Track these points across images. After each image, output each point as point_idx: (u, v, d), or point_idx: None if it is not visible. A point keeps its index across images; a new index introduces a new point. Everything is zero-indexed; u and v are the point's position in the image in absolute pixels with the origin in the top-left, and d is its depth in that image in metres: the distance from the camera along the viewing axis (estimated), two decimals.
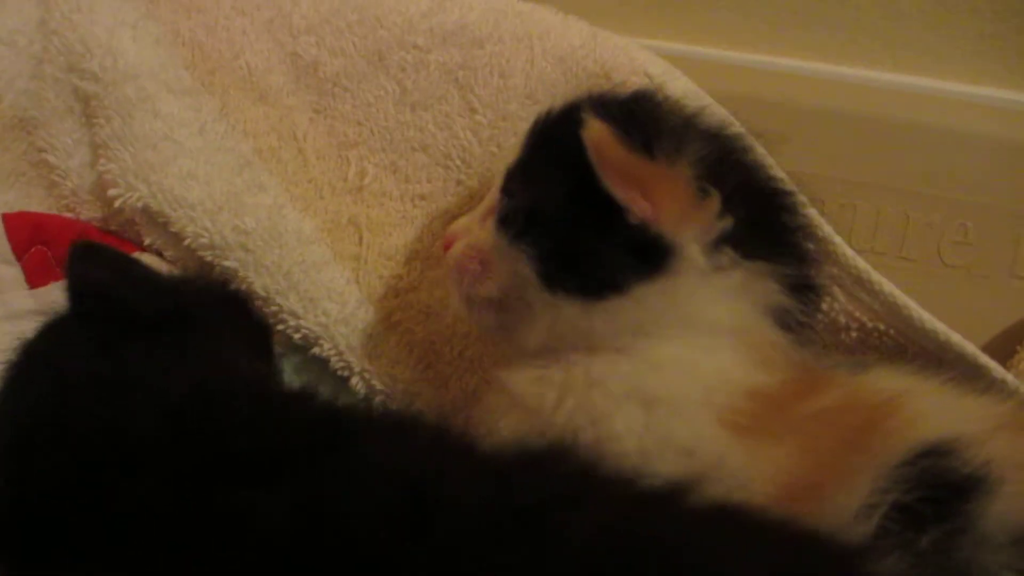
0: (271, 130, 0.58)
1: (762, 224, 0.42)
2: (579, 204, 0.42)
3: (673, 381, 0.40)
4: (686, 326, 0.41)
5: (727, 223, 0.40)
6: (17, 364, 0.37)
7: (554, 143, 0.44)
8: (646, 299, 0.40)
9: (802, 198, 0.46)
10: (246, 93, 0.58)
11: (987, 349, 0.52)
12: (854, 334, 0.50)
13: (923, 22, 0.61)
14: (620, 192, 0.40)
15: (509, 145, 0.56)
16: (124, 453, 0.31)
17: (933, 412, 0.39)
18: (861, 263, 0.50)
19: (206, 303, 0.42)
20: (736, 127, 0.46)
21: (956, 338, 0.48)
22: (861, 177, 0.58)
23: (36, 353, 0.38)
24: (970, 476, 0.36)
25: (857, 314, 0.50)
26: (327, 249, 0.56)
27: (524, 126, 0.56)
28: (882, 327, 0.50)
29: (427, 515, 0.29)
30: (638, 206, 0.40)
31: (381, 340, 0.55)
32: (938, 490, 0.36)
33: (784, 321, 0.42)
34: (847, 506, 0.35)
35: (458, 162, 0.57)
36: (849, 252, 0.50)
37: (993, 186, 0.56)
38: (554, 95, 0.55)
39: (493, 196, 0.46)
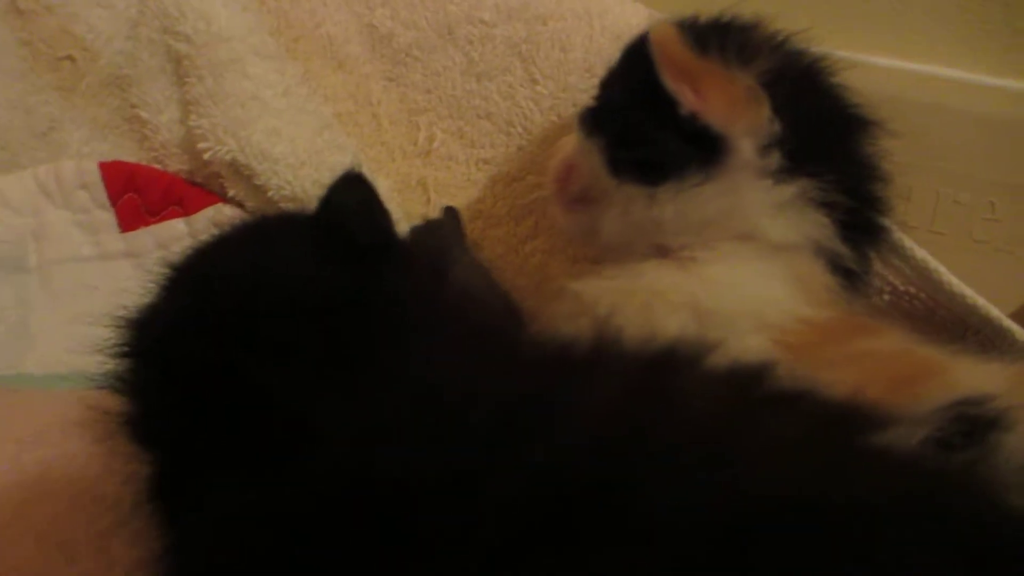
0: (348, 96, 0.62)
1: (825, 145, 0.46)
2: (642, 98, 0.46)
3: (727, 298, 0.43)
4: (743, 240, 0.44)
5: (776, 127, 0.44)
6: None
7: (634, 52, 0.49)
8: (703, 192, 0.44)
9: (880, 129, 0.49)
10: (326, 61, 0.63)
11: (1012, 318, 0.55)
12: (886, 297, 0.54)
13: (959, 17, 0.64)
14: (672, 84, 0.44)
15: (568, 114, 0.60)
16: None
17: (967, 375, 0.42)
18: (895, 229, 0.53)
19: None
20: (823, 54, 0.49)
21: (982, 302, 0.52)
22: (894, 156, 0.62)
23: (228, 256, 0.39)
24: (994, 418, 0.40)
25: (890, 277, 0.53)
26: (397, 208, 0.60)
27: (583, 97, 0.61)
28: (912, 290, 0.53)
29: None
30: (687, 98, 0.44)
31: None
32: (967, 427, 0.40)
33: (836, 264, 0.45)
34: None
35: (520, 129, 0.61)
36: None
37: (1021, 167, 0.59)
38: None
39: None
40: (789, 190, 0.45)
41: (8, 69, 0.60)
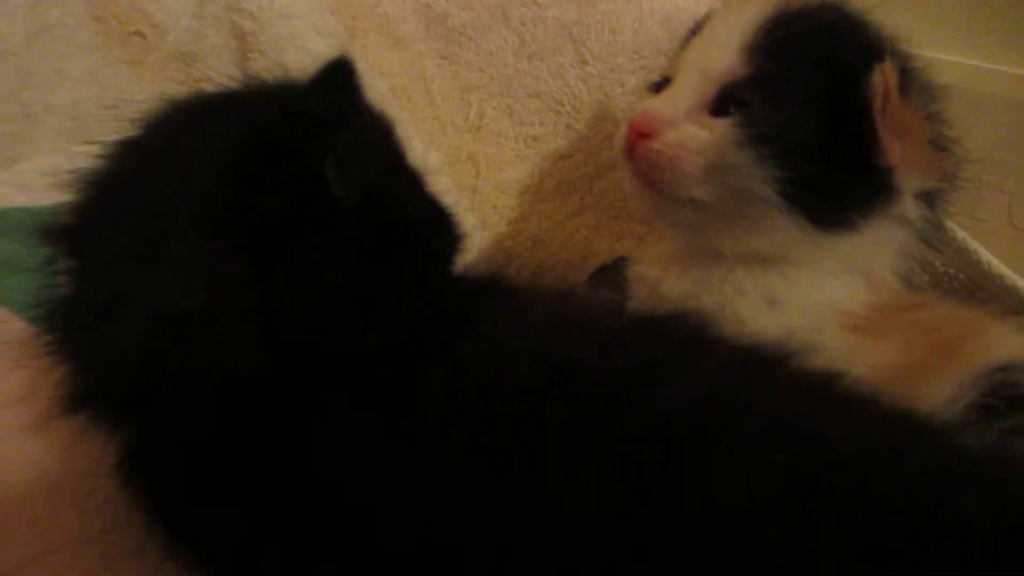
0: (403, 72, 0.65)
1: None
2: (829, 133, 0.42)
3: (803, 291, 0.44)
4: (840, 260, 0.44)
5: (944, 181, 0.44)
6: None
7: (802, 58, 0.43)
8: (856, 237, 0.43)
9: None
10: (383, 38, 0.65)
11: None
12: (927, 277, 0.55)
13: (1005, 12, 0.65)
14: (887, 137, 0.41)
15: (616, 94, 0.62)
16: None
17: (1005, 341, 0.43)
18: None
19: None
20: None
21: (1021, 283, 0.53)
22: None
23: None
24: None
25: (930, 258, 0.54)
26: (448, 179, 0.63)
27: (631, 78, 0.63)
28: (952, 271, 0.54)
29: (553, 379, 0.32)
30: (893, 155, 0.41)
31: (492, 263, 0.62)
32: (1007, 394, 0.40)
33: (906, 277, 0.46)
34: (933, 398, 0.39)
35: (568, 108, 0.63)
36: None
37: None
38: (659, 51, 0.61)
39: (695, 88, 0.45)
40: (913, 236, 0.45)
41: (82, 44, 0.63)
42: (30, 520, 0.34)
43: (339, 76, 0.36)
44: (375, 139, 0.38)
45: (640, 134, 0.44)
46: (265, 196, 0.33)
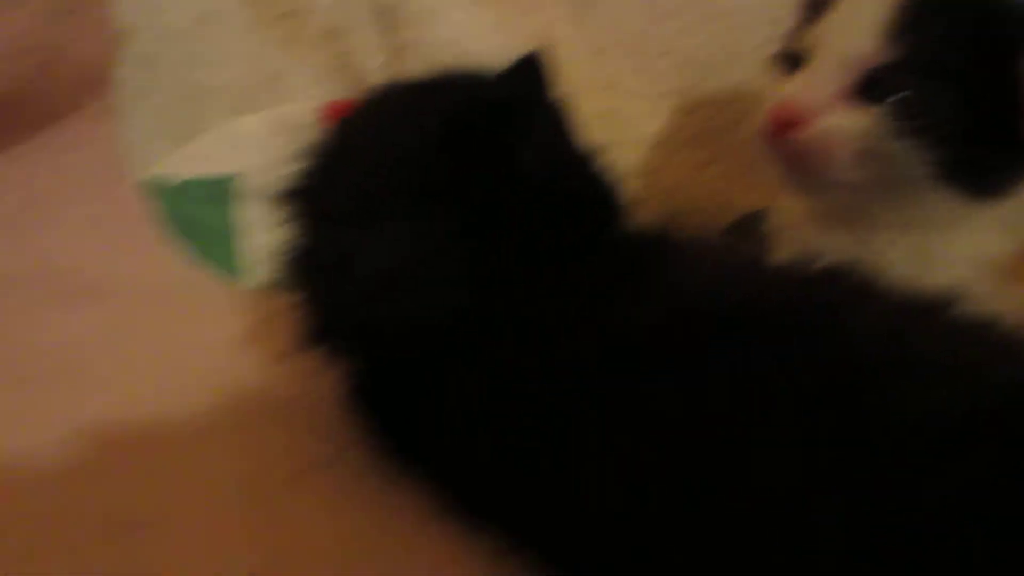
0: (537, 36, 0.68)
1: None
2: (979, 111, 0.43)
3: (957, 248, 0.45)
4: (993, 219, 0.45)
5: None
6: None
7: (952, 37, 0.43)
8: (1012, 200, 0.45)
9: None
10: (515, 6, 0.69)
11: None
12: None
13: None
14: None
15: (745, 51, 0.65)
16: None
17: None
18: None
19: None
20: None
21: None
22: None
23: None
24: None
25: None
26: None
27: (759, 34, 0.65)
28: None
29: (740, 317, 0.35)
30: None
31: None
32: None
33: None
34: None
35: (698, 65, 0.66)
36: None
37: None
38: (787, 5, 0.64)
39: (836, 72, 0.44)
40: None
41: (240, 26, 0.68)
42: (285, 446, 0.40)
43: (530, 69, 0.43)
44: (556, 123, 0.44)
45: (784, 123, 0.45)
46: (469, 169, 0.39)
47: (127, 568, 0.31)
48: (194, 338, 0.49)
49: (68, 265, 0.50)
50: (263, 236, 0.64)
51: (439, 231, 0.39)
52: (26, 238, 0.49)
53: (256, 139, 0.67)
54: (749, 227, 0.58)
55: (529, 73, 0.43)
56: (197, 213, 0.62)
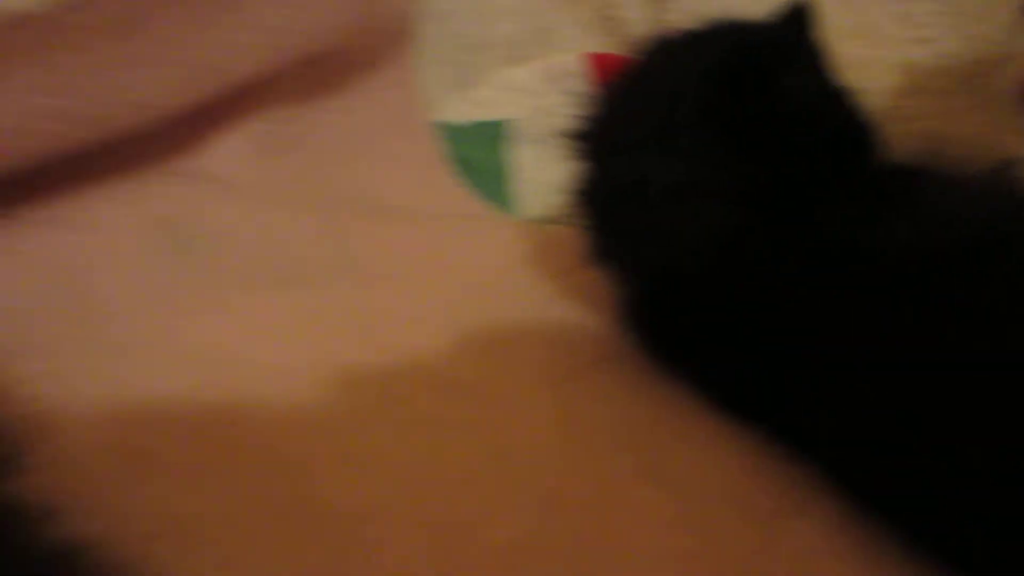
0: None
1: None
2: None
3: None
4: None
5: None
6: None
7: None
8: None
9: None
10: None
11: None
12: None
13: None
14: None
15: None
16: None
17: None
18: None
19: None
20: None
21: None
22: None
23: None
24: None
25: None
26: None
27: None
28: None
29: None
30: None
31: None
32: None
33: None
34: None
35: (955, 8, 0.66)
36: None
37: None
38: None
39: None
40: None
41: None
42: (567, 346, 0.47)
43: (797, 16, 0.47)
44: (819, 65, 0.48)
45: None
46: (743, 102, 0.44)
47: (456, 416, 0.39)
48: (472, 259, 0.57)
49: (375, 191, 0.59)
50: (533, 174, 0.71)
51: (717, 158, 0.44)
52: (345, 166, 0.59)
53: (527, 87, 0.74)
54: (1007, 171, 0.58)
55: (796, 20, 0.47)
56: (476, 154, 0.70)
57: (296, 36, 0.51)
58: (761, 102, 0.43)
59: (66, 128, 0.41)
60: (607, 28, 0.76)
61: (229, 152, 0.51)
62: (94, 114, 0.42)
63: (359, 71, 0.60)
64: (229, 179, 0.50)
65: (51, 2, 0.37)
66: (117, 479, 0.32)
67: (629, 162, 0.45)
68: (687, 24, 0.70)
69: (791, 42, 0.46)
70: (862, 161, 0.46)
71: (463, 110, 0.74)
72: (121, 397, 0.36)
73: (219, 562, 0.31)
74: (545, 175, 0.74)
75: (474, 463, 0.37)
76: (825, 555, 0.35)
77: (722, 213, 0.43)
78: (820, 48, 0.48)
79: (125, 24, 0.40)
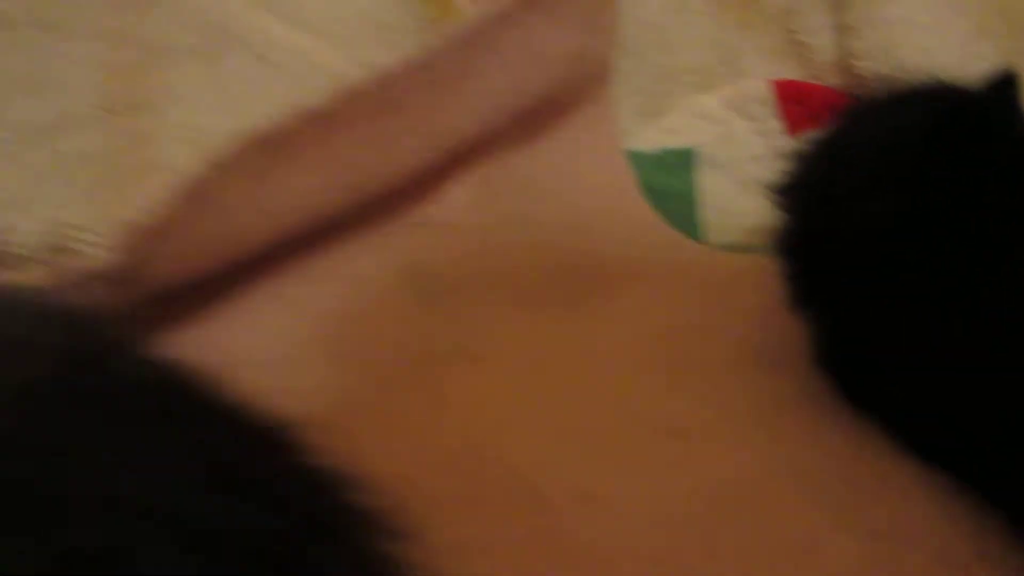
0: (996, 13, 0.70)
1: None
2: None
3: None
4: None
5: None
6: None
7: None
8: None
9: None
10: None
11: None
12: None
13: None
14: None
15: None
16: None
17: None
18: None
19: None
20: None
21: None
22: None
23: None
24: None
25: None
26: None
27: None
28: None
29: None
30: None
31: None
32: None
33: None
34: None
35: None
36: None
37: None
38: None
39: None
40: None
41: (701, 12, 0.78)
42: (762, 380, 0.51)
43: (1007, 87, 0.47)
44: None
45: None
46: (955, 163, 0.45)
47: (671, 455, 0.43)
48: (671, 291, 0.61)
49: (580, 224, 0.64)
50: (720, 201, 0.74)
51: (929, 215, 0.45)
52: (552, 203, 0.64)
53: (714, 114, 0.77)
54: None
55: (1004, 86, 0.47)
56: (665, 181, 0.74)
57: (518, 95, 0.56)
58: (975, 164, 0.45)
59: (333, 197, 0.48)
60: (794, 55, 0.78)
61: (455, 200, 0.57)
62: (356, 182, 0.48)
63: (564, 113, 0.65)
64: (457, 225, 0.56)
65: (331, 97, 0.43)
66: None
67: (838, 214, 0.48)
68: (873, 55, 0.71)
69: (1003, 108, 0.47)
70: None
71: (652, 138, 0.78)
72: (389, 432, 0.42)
73: None
74: (733, 202, 0.77)
75: (692, 503, 0.41)
76: None
77: (931, 265, 0.45)
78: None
79: (385, 106, 0.46)
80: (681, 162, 0.78)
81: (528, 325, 0.52)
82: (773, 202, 0.53)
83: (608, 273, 0.60)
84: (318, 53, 0.51)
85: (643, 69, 0.78)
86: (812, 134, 0.55)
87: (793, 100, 0.79)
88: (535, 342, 0.50)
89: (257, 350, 0.44)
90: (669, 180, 0.78)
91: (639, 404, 0.47)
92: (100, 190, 0.41)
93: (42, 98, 0.41)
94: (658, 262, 0.64)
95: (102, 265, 0.36)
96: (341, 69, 0.52)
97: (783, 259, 0.51)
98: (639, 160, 0.78)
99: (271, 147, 0.42)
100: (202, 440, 0.25)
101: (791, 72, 0.79)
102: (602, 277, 0.59)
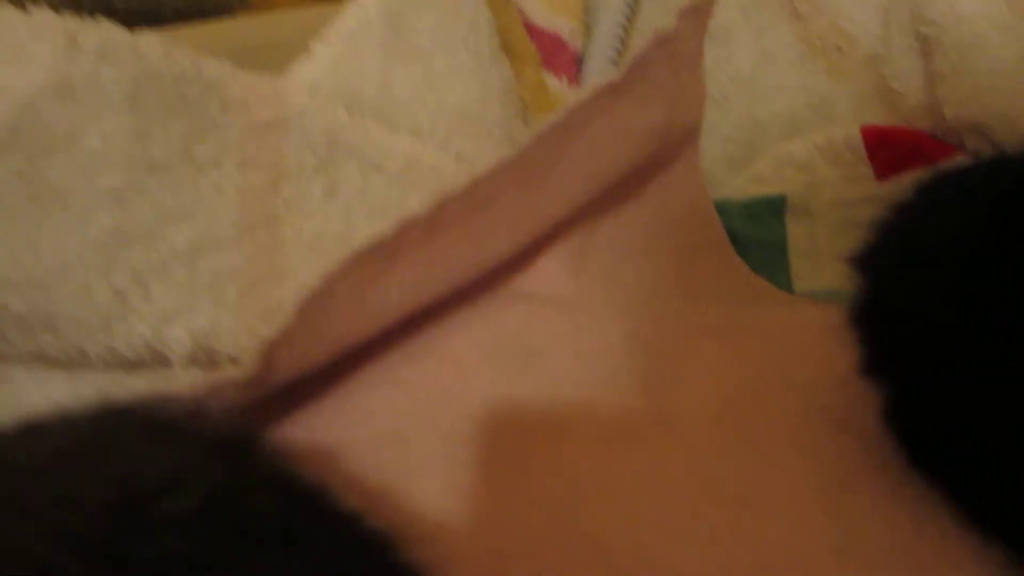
0: None
1: None
2: None
3: None
4: None
5: None
6: None
7: None
8: None
9: None
10: None
11: None
12: None
13: None
14: None
15: None
16: None
17: None
18: None
19: None
20: None
21: None
22: None
23: None
24: None
25: None
26: None
27: None
28: None
29: None
30: None
31: None
32: None
33: None
34: None
35: None
36: None
37: None
38: None
39: None
40: None
41: (791, 61, 0.81)
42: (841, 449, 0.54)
43: None
44: None
45: None
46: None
47: (731, 524, 0.47)
48: (746, 347, 0.64)
49: (668, 282, 0.68)
50: (809, 248, 0.77)
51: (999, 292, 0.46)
52: (642, 262, 0.68)
53: (804, 161, 0.80)
54: None
55: None
56: (754, 229, 0.77)
57: (606, 173, 0.61)
58: None
59: (432, 288, 0.54)
60: (884, 101, 0.79)
61: (544, 271, 0.62)
62: (453, 274, 0.54)
63: (649, 176, 0.69)
64: (547, 296, 0.62)
65: (430, 204, 0.49)
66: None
67: (911, 287, 0.50)
68: (963, 103, 0.72)
69: None
70: None
71: (740, 186, 0.81)
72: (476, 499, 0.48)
73: None
74: (821, 248, 0.79)
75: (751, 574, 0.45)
76: None
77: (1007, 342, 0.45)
78: None
79: (478, 205, 0.52)
80: (770, 210, 0.81)
81: (607, 391, 0.57)
82: (850, 267, 0.56)
83: (688, 330, 0.64)
84: (421, 154, 0.57)
85: (730, 118, 0.81)
86: (900, 182, 0.58)
87: (882, 146, 0.80)
88: (613, 410, 0.55)
89: (363, 430, 0.51)
90: (757, 228, 0.81)
91: (707, 467, 0.51)
92: (240, 300, 0.48)
93: (190, 224, 0.48)
94: (741, 313, 0.68)
95: (242, 371, 0.43)
96: (441, 165, 0.58)
97: (856, 325, 0.54)
98: (727, 209, 0.81)
99: (380, 252, 0.48)
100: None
101: (880, 118, 0.80)
102: (683, 336, 0.63)
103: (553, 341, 0.60)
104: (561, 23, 0.82)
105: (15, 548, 0.25)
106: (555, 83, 0.77)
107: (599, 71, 0.79)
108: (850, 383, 0.55)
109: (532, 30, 0.80)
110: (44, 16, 0.49)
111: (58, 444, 0.32)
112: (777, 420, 0.56)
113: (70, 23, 0.50)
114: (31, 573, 0.24)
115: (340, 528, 0.34)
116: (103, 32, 0.50)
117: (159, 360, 0.49)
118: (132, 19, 0.57)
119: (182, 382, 0.47)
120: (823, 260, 0.79)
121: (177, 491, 0.30)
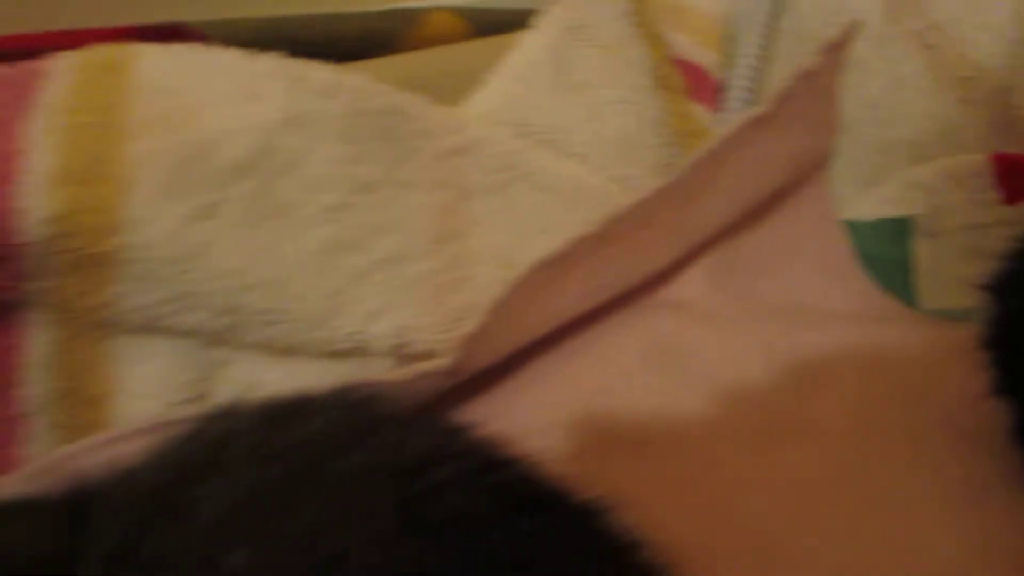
0: None
1: None
2: None
3: None
4: None
5: None
6: None
7: None
8: None
9: None
10: None
11: None
12: None
13: None
14: None
15: None
16: None
17: None
18: None
19: None
20: None
21: None
22: None
23: None
24: None
25: None
26: None
27: None
28: None
29: None
30: None
31: None
32: None
33: None
34: None
35: None
36: None
37: None
38: None
39: None
40: None
41: (922, 89, 0.84)
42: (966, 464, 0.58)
43: None
44: None
45: None
46: None
47: (873, 528, 0.52)
48: (884, 362, 0.68)
49: (799, 298, 0.73)
50: (935, 268, 0.80)
51: None
52: (774, 278, 0.73)
53: (930, 185, 0.83)
54: None
55: None
56: (880, 249, 0.81)
57: (749, 195, 0.67)
58: None
59: (596, 296, 0.60)
60: (1011, 129, 0.82)
61: (691, 282, 0.68)
62: (614, 284, 0.61)
63: (785, 197, 0.74)
64: (691, 305, 0.67)
65: (599, 222, 0.56)
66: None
67: None
68: None
69: None
70: None
71: (869, 208, 0.85)
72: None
73: None
74: (948, 269, 0.82)
75: None
76: None
77: None
78: None
79: (641, 222, 0.58)
80: (897, 230, 0.85)
81: (750, 396, 0.62)
82: (983, 291, 0.59)
83: (822, 344, 0.68)
84: (584, 177, 0.64)
85: (861, 142, 0.85)
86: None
87: (1011, 173, 0.82)
88: (758, 414, 0.60)
89: (534, 419, 0.57)
90: (885, 248, 0.84)
91: (844, 474, 0.56)
92: (433, 302, 0.56)
93: (392, 236, 0.56)
94: (870, 329, 0.72)
95: (440, 363, 0.51)
96: (602, 187, 0.65)
97: (989, 346, 0.56)
98: (856, 229, 0.85)
99: (557, 263, 0.55)
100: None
101: (1009, 146, 0.83)
102: (816, 349, 0.68)
103: (699, 346, 0.66)
104: (705, 56, 0.88)
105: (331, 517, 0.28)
106: (700, 111, 0.83)
107: (738, 100, 0.84)
108: (980, 401, 0.59)
109: (679, 63, 0.86)
110: (272, 59, 0.58)
111: (326, 422, 0.35)
112: (906, 433, 0.60)
113: (293, 64, 0.59)
114: (355, 534, 0.28)
115: (570, 498, 0.40)
116: (324, 71, 0.58)
117: (361, 351, 0.57)
118: (312, 52, 0.65)
119: (388, 371, 0.54)
120: (949, 281, 0.82)
121: (438, 463, 0.36)
